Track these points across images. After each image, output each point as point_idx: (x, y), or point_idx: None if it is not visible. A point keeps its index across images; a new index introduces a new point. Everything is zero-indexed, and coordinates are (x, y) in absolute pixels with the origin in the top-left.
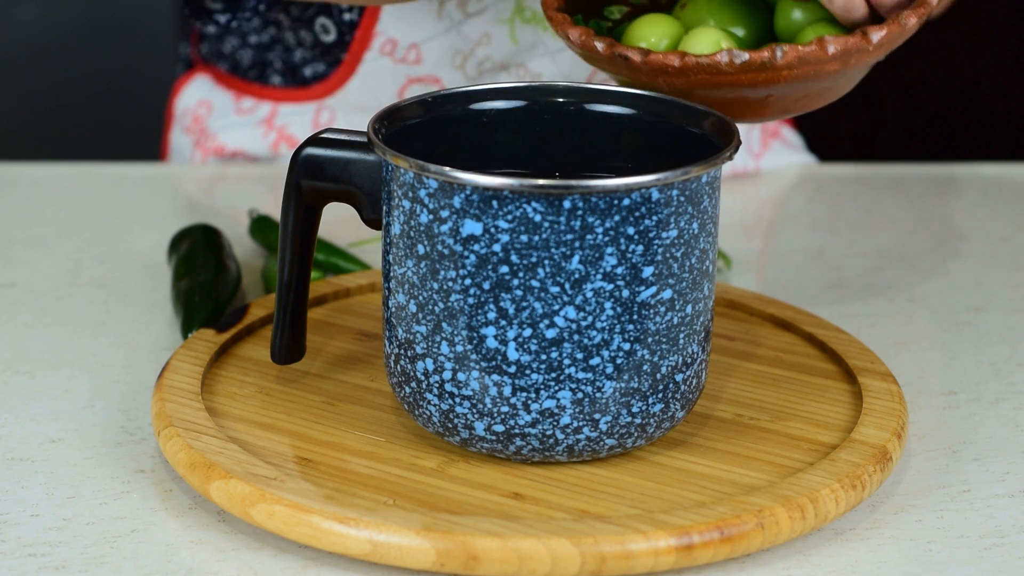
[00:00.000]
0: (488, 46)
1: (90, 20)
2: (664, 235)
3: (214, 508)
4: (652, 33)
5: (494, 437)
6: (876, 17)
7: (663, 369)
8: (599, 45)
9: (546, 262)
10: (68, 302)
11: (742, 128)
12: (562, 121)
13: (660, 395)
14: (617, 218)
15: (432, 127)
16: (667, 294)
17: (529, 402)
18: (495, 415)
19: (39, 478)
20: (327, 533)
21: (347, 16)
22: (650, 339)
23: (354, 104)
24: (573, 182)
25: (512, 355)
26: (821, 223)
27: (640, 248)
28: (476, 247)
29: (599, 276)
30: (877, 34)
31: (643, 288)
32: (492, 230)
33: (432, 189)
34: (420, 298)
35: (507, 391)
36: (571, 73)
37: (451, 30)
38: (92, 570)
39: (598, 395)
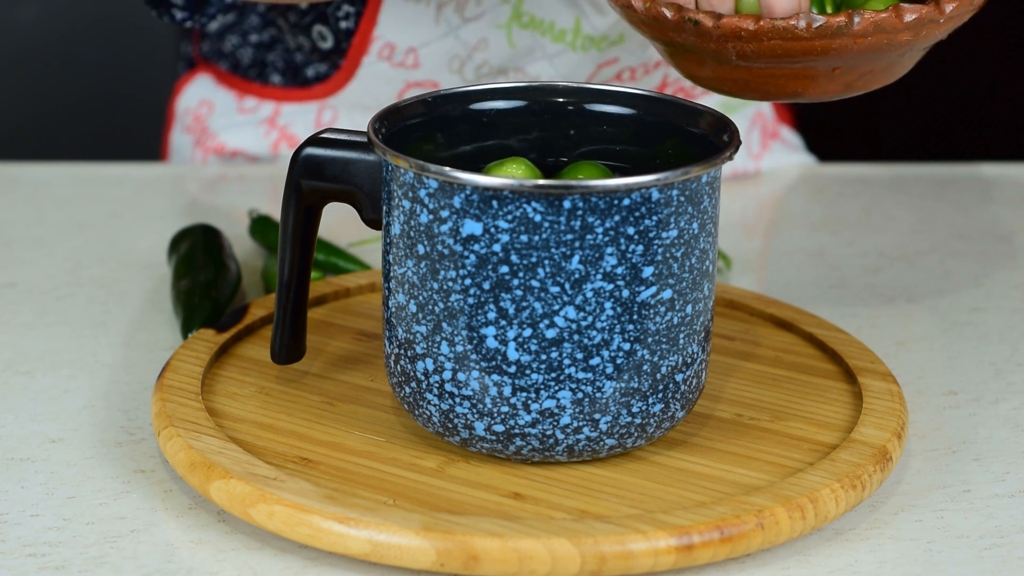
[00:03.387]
0: (486, 51)
1: (90, 20)
2: (664, 235)
3: (214, 508)
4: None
5: (494, 437)
6: None
7: (663, 369)
8: (667, 11)
9: (546, 262)
10: (68, 302)
11: (742, 128)
12: (562, 121)
13: (660, 395)
14: (617, 218)
15: (432, 127)
16: (667, 294)
17: (529, 402)
18: (495, 415)
19: (39, 478)
20: (327, 533)
21: (343, 24)
22: (650, 339)
23: (356, 104)
24: (573, 182)
25: (512, 355)
26: (821, 223)
27: (640, 248)
28: (476, 247)
29: (599, 276)
30: (949, 5)
31: (643, 288)
32: (492, 230)
33: (432, 189)
34: (420, 298)
35: (507, 391)
36: (569, 76)
37: (449, 35)
38: (92, 570)
39: (598, 395)
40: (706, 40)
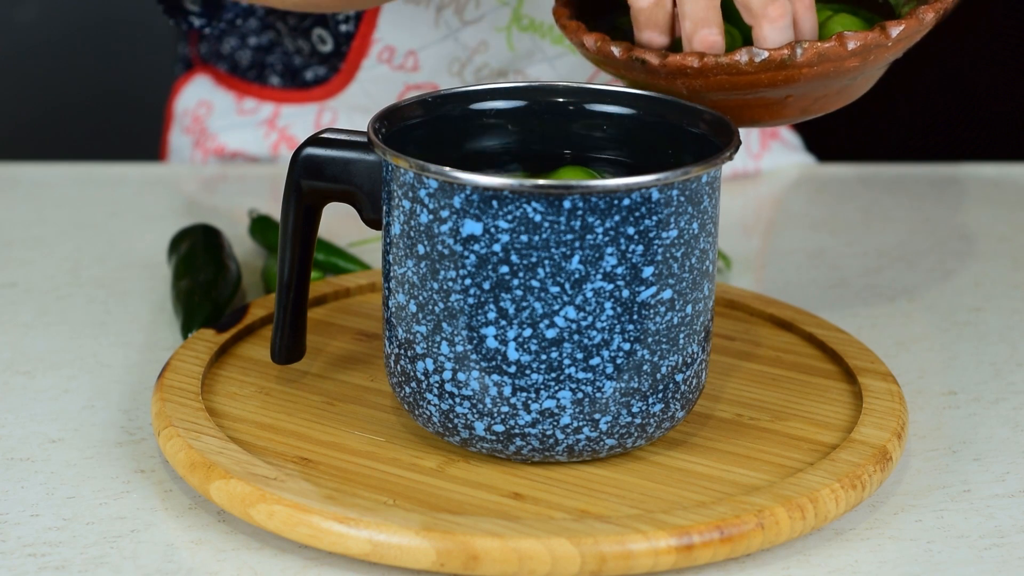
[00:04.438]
0: (485, 53)
1: (90, 20)
2: (664, 235)
3: (214, 508)
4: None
5: (494, 437)
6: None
7: (663, 369)
8: (615, 50)
9: (546, 262)
10: (68, 302)
11: (742, 129)
12: (562, 121)
13: (660, 395)
14: (617, 218)
15: (432, 127)
16: (667, 294)
17: (529, 402)
18: (495, 415)
19: (39, 478)
20: (327, 533)
21: (343, 27)
22: (650, 339)
23: (355, 106)
24: (573, 182)
25: (512, 355)
26: (821, 223)
27: (640, 248)
28: (476, 247)
29: (599, 276)
30: (896, 29)
31: (643, 288)
32: (492, 230)
33: (432, 189)
34: (420, 298)
35: (507, 391)
36: (569, 78)
37: (448, 37)
38: (92, 570)
39: (598, 395)
40: (655, 77)
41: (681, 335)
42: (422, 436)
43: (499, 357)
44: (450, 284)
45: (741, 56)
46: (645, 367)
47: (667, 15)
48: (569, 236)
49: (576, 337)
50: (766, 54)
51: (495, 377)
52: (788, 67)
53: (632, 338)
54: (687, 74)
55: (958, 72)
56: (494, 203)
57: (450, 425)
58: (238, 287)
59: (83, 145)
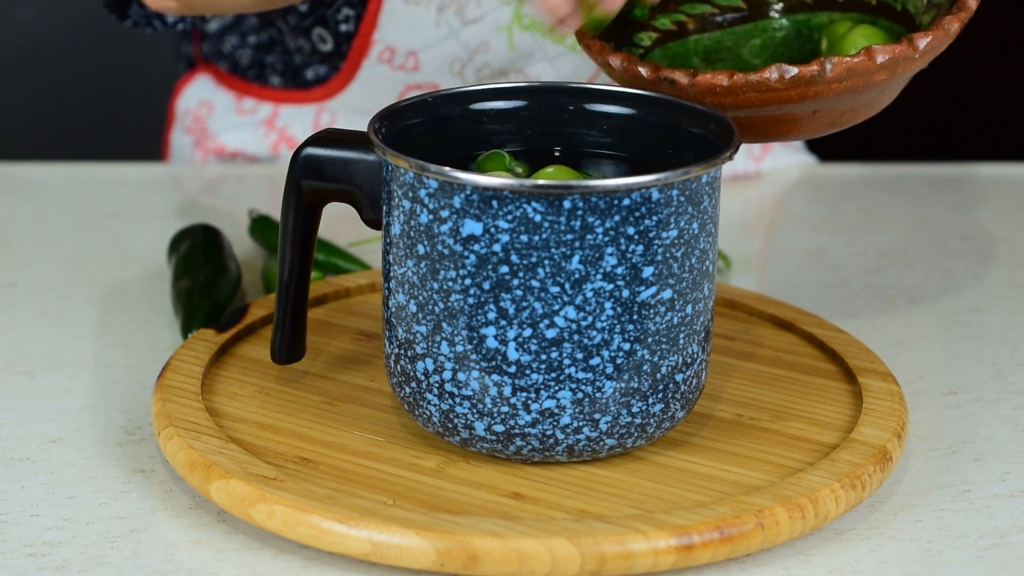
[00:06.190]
0: (486, 53)
1: (90, 20)
2: (664, 235)
3: (214, 508)
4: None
5: (494, 437)
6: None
7: (663, 369)
8: (643, 70)
9: (546, 262)
10: (68, 302)
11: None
12: (562, 121)
13: (660, 395)
14: (617, 218)
15: (432, 127)
16: (667, 294)
17: (529, 402)
18: (495, 415)
19: (39, 478)
20: (327, 533)
21: (344, 27)
22: (650, 339)
23: (354, 107)
24: (573, 182)
25: (512, 355)
26: (821, 223)
27: (640, 248)
28: (476, 247)
29: (599, 276)
30: (923, 40)
31: (643, 288)
32: (492, 230)
33: (432, 189)
34: (420, 298)
35: (507, 391)
36: (570, 78)
37: (449, 37)
38: (92, 570)
39: (598, 395)
40: (683, 96)
41: (681, 335)
42: (422, 436)
43: (499, 357)
44: (450, 284)
45: (771, 73)
46: (645, 367)
47: None
48: (569, 236)
49: (576, 337)
50: (795, 71)
51: (495, 377)
52: (817, 83)
53: (632, 338)
54: (716, 93)
55: (958, 72)
56: (494, 203)
57: (450, 425)
58: (238, 287)
59: (83, 145)
